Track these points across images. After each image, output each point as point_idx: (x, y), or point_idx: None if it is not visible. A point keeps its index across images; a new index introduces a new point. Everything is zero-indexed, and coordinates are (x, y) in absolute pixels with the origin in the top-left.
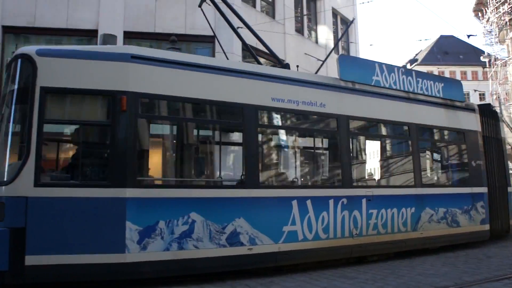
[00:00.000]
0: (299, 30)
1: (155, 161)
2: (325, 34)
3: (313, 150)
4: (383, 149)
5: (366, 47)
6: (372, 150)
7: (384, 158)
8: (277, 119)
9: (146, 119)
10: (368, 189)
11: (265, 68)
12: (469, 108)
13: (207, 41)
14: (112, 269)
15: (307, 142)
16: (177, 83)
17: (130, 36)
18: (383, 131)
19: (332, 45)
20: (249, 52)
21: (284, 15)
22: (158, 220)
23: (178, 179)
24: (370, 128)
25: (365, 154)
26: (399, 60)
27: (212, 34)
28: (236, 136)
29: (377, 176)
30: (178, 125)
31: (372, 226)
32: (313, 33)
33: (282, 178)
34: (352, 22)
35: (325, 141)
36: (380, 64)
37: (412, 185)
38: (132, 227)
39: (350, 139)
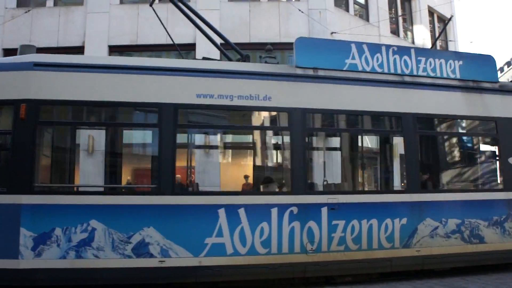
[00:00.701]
0: (395, 32)
1: (55, 167)
2: (421, 33)
3: (253, 150)
4: (358, 146)
5: (466, 45)
6: (343, 147)
7: (359, 157)
8: (203, 118)
9: (47, 126)
10: (332, 195)
11: (189, 62)
12: (506, 90)
13: None
14: (5, 275)
15: (246, 140)
16: (82, 87)
17: (227, 48)
18: (361, 124)
19: (429, 44)
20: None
21: (378, 17)
22: (54, 227)
23: (77, 185)
24: (342, 122)
25: (332, 153)
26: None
27: None
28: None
29: (347, 180)
30: (81, 131)
31: (338, 240)
32: (409, 33)
33: (207, 184)
34: (450, 19)
35: (272, 139)
36: (360, 44)
37: (402, 190)
38: (26, 233)
39: (308, 136)
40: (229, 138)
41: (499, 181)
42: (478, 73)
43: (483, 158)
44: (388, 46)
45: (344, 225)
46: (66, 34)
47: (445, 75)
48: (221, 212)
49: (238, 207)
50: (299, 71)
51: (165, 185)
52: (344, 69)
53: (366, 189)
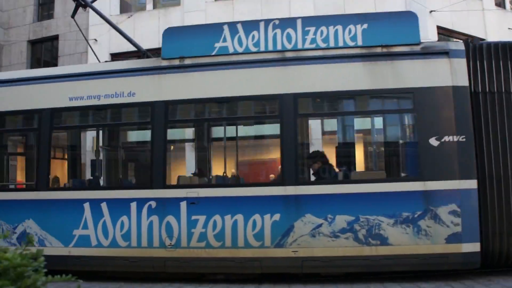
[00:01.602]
0: (500, 4)
1: None
2: None
3: (122, 147)
4: (227, 136)
5: None
6: (211, 139)
7: (228, 148)
8: (76, 119)
9: None
10: (192, 189)
11: (62, 68)
12: (430, 53)
13: None
14: None
15: (117, 138)
16: None
17: None
18: (234, 111)
19: None
20: None
21: None
22: None
23: None
24: (211, 111)
25: (198, 145)
26: None
27: None
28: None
29: (211, 173)
30: None
31: (198, 236)
32: None
33: (78, 180)
34: None
35: (139, 134)
36: (233, 24)
37: (276, 182)
38: None
39: (172, 128)
40: (101, 136)
41: (413, 168)
42: (391, 36)
43: (393, 140)
44: (268, 21)
45: (205, 220)
46: None
47: (341, 44)
48: (86, 206)
49: (101, 201)
50: (164, 63)
51: (41, 182)
52: (213, 53)
53: (231, 182)
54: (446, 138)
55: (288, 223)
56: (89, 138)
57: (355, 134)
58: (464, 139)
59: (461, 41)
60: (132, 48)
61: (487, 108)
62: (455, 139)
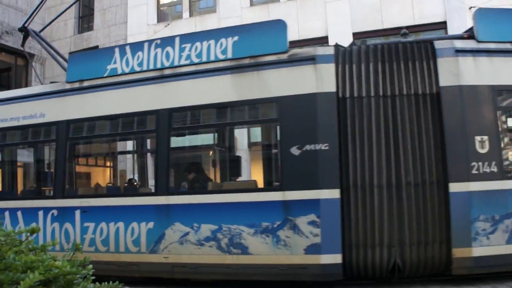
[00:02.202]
0: None
1: None
2: None
3: (35, 162)
4: (116, 151)
5: None
6: (107, 153)
7: (112, 160)
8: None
9: None
10: (85, 199)
11: None
12: (297, 60)
13: (438, 28)
14: None
15: (31, 155)
16: None
17: (360, 37)
18: (116, 129)
19: None
20: None
21: None
22: None
23: None
24: (102, 129)
25: (90, 159)
26: None
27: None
28: None
29: (100, 183)
30: None
31: (88, 242)
32: None
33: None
34: None
35: (45, 151)
36: (123, 47)
37: (151, 192)
38: None
39: (71, 145)
40: (21, 155)
41: (274, 178)
42: (259, 46)
43: (260, 151)
44: (150, 42)
45: (94, 227)
46: None
47: (212, 58)
48: (6, 213)
49: (17, 210)
50: (67, 86)
51: None
52: (105, 75)
53: (115, 192)
54: (308, 147)
55: (160, 230)
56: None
57: (225, 145)
58: (327, 147)
59: (332, 45)
60: None
61: (354, 114)
62: (317, 148)
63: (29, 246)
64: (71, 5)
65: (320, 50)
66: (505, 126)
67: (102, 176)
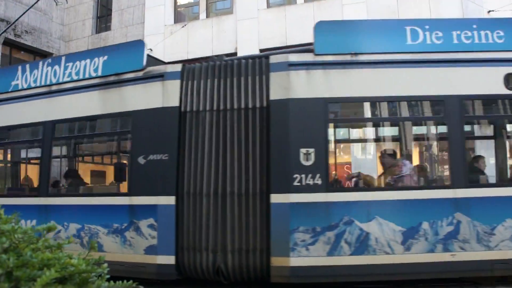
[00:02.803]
0: None
1: None
2: None
3: None
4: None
5: None
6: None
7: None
8: None
9: None
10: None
11: None
12: (149, 77)
13: None
14: None
15: None
16: None
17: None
18: (16, 137)
19: None
20: None
21: None
22: None
23: None
24: (8, 137)
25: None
26: None
27: None
28: None
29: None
30: None
31: None
32: None
33: None
34: None
35: None
36: (24, 65)
37: (35, 194)
38: None
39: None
40: None
41: (121, 183)
42: (123, 64)
43: (119, 160)
44: (44, 60)
45: None
46: (219, 43)
47: (87, 76)
48: None
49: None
50: None
51: None
52: (10, 90)
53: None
54: (151, 157)
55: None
56: None
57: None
58: (167, 158)
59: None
60: (186, 57)
61: (192, 127)
62: (158, 158)
63: (46, 244)
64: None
65: (169, 68)
66: (334, 139)
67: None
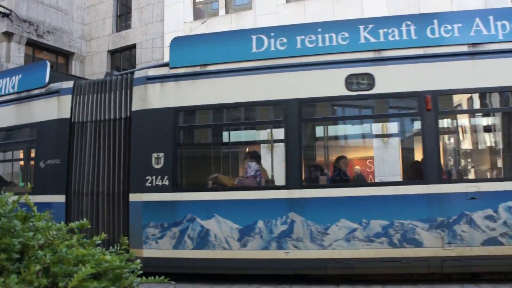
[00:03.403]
0: None
1: None
2: None
3: None
4: None
5: None
6: None
7: None
8: None
9: None
10: None
11: None
12: (50, 92)
13: None
14: None
15: None
16: None
17: None
18: None
19: None
20: None
21: None
22: None
23: None
24: None
25: None
26: None
27: None
28: None
29: None
30: None
31: None
32: None
33: None
34: None
35: None
36: None
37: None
38: None
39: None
40: None
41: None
42: (32, 81)
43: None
44: None
45: None
46: None
47: (7, 91)
48: None
49: None
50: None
51: None
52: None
53: None
54: (49, 162)
55: None
56: None
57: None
58: (59, 162)
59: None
60: None
61: (79, 136)
62: (53, 162)
63: (80, 240)
64: None
65: (64, 84)
66: (183, 143)
67: None
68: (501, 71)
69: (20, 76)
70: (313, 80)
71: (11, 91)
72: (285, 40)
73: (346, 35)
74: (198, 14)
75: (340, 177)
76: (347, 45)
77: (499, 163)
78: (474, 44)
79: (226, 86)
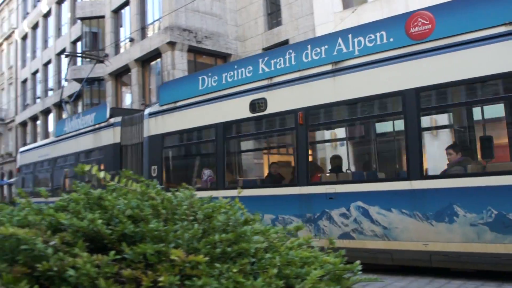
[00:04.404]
0: None
1: None
2: None
3: None
4: None
5: None
6: None
7: None
8: None
9: None
10: None
11: None
12: (109, 125)
13: None
14: None
15: None
16: None
17: None
18: None
19: None
20: None
21: None
22: None
23: None
24: None
25: None
26: None
27: None
28: None
29: None
30: None
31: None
32: None
33: None
34: None
35: None
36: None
37: None
38: None
39: None
40: None
41: None
42: (101, 117)
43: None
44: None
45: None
46: None
47: (89, 124)
48: None
49: None
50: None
51: None
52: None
53: None
54: (111, 173)
55: None
56: None
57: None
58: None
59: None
60: None
61: (126, 154)
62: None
63: (298, 242)
64: None
65: (116, 119)
66: (167, 158)
67: None
68: (356, 83)
69: (95, 113)
70: (231, 106)
71: (91, 123)
72: (216, 77)
73: (251, 68)
74: (346, 3)
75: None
76: (251, 76)
77: (352, 168)
78: (335, 63)
79: (187, 115)
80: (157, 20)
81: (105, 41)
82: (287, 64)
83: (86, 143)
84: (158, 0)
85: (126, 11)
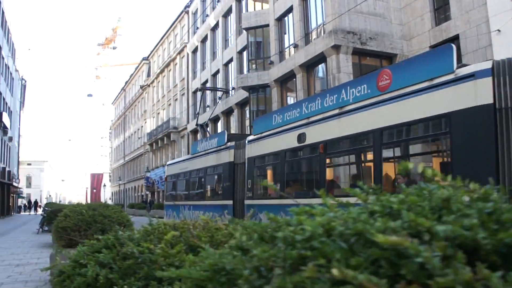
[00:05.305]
0: None
1: None
2: None
3: None
4: None
5: None
6: None
7: None
8: None
9: None
10: None
11: None
12: (227, 148)
13: None
14: None
15: None
16: None
17: None
18: None
19: None
20: None
21: None
22: None
23: None
24: None
25: None
26: None
27: None
28: None
29: None
30: None
31: None
32: None
33: None
34: None
35: None
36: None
37: None
38: None
39: None
40: None
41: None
42: (219, 142)
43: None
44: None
45: None
46: None
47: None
48: None
49: None
50: None
51: None
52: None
53: None
54: (225, 184)
55: None
56: None
57: None
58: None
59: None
60: None
61: (237, 170)
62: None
63: None
64: None
65: (231, 143)
66: (255, 174)
67: None
68: (354, 123)
69: (217, 138)
70: (287, 138)
71: (214, 146)
72: (281, 116)
73: (298, 110)
74: None
75: None
76: (298, 116)
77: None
78: (341, 107)
79: (264, 144)
80: (320, 24)
81: (270, 48)
82: (314, 109)
83: (211, 160)
84: (321, 5)
85: (289, 18)
